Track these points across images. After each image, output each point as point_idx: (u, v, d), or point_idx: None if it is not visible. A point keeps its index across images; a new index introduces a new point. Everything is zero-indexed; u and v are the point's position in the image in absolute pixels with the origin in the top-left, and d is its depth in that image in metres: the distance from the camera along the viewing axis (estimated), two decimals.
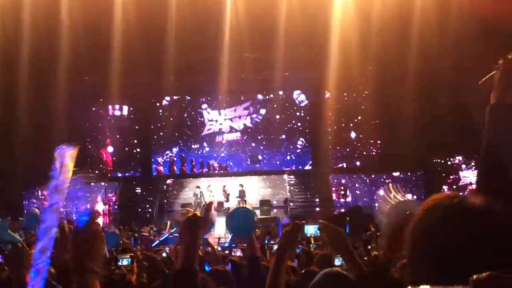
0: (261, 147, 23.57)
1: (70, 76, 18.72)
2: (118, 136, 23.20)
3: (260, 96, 23.44)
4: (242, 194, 18.71)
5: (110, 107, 23.11)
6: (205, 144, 23.78)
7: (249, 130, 23.61)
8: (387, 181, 20.63)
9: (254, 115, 23.53)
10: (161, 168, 23.37)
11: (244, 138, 23.60)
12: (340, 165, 22.80)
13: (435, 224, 1.07)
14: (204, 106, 23.81)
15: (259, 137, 23.58)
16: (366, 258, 6.21)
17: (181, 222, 1.88)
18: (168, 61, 19.14)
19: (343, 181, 21.96)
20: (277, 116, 23.34)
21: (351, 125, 22.84)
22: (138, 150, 23.67)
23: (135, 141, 23.59)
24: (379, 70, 19.29)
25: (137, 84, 20.99)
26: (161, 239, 11.13)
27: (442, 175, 21.21)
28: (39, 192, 19.92)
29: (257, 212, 16.87)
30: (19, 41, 17.63)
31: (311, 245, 7.96)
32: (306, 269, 4.43)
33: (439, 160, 21.45)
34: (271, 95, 23.37)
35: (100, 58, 18.51)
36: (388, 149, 20.96)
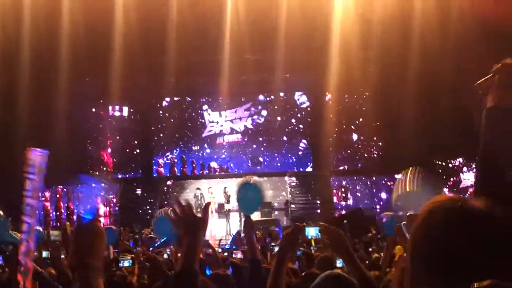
0: (262, 149, 23.56)
1: (71, 77, 18.73)
2: (118, 138, 23.20)
3: (261, 97, 23.44)
4: None
5: (110, 108, 23.11)
6: (205, 145, 23.78)
7: (249, 131, 23.60)
8: (389, 183, 20.63)
9: (255, 116, 23.53)
10: (161, 169, 23.37)
11: (245, 139, 23.60)
12: (342, 168, 22.78)
13: (437, 226, 1.07)
14: (205, 107, 23.82)
15: (260, 139, 23.57)
16: (367, 261, 6.22)
17: (178, 217, 1.86)
18: (169, 62, 19.16)
19: (344, 183, 21.94)
20: (278, 118, 23.34)
21: (352, 127, 22.82)
22: (139, 151, 23.67)
23: (136, 143, 23.60)
24: (380, 72, 19.30)
25: (137, 85, 21.01)
26: (161, 240, 11.11)
27: (443, 177, 21.19)
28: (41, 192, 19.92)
29: (258, 214, 16.86)
30: (20, 41, 17.66)
31: (311, 247, 7.96)
32: (306, 271, 4.43)
33: (440, 162, 21.44)
34: (272, 97, 23.38)
35: (101, 60, 18.53)
36: (389, 151, 20.94)
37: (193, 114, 23.98)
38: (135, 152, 23.60)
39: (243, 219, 3.25)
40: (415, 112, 18.85)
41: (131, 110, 23.41)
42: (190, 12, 17.60)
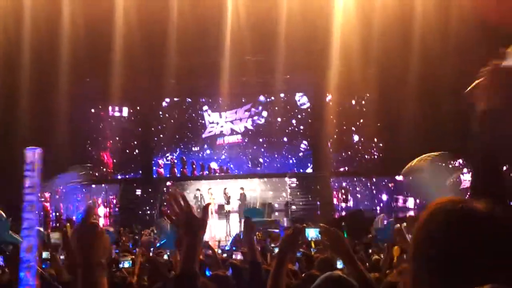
0: (262, 150, 23.56)
1: (71, 78, 18.74)
2: (118, 138, 23.20)
3: (262, 98, 23.45)
4: (242, 197, 18.69)
5: (110, 108, 23.11)
6: (205, 146, 23.79)
7: (250, 132, 23.61)
8: (389, 184, 20.62)
9: (255, 117, 23.54)
10: (161, 170, 23.36)
11: (245, 140, 23.60)
12: (342, 169, 22.77)
13: (438, 228, 1.07)
14: (205, 108, 23.83)
15: (260, 140, 23.57)
16: (367, 263, 6.21)
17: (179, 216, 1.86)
18: (169, 63, 19.18)
19: (344, 184, 21.92)
20: (278, 119, 23.35)
21: (353, 128, 22.82)
22: (139, 152, 23.67)
23: (136, 143, 23.60)
24: (381, 74, 19.30)
25: (138, 86, 21.03)
26: (161, 242, 11.09)
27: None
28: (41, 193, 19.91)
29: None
30: (21, 43, 17.67)
31: (311, 249, 7.95)
32: (306, 272, 4.43)
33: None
34: (272, 98, 23.39)
35: (101, 61, 18.54)
36: (389, 153, 20.93)
37: (193, 115, 23.99)
38: (134, 153, 23.60)
39: (243, 220, 3.28)
40: (415, 113, 18.85)
41: (131, 110, 23.42)
42: (190, 13, 17.61)
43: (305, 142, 23.44)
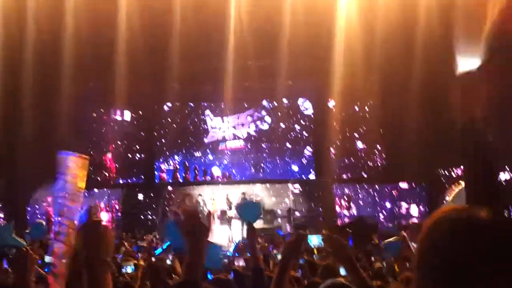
0: (265, 155, 23.55)
1: (74, 82, 18.79)
2: (120, 143, 23.22)
3: (264, 103, 23.47)
4: None
5: (112, 112, 23.15)
6: (208, 151, 23.79)
7: (252, 138, 23.61)
8: (392, 192, 20.58)
9: (258, 122, 23.55)
10: (164, 175, 23.36)
11: (248, 146, 23.60)
12: (345, 176, 22.72)
13: (443, 237, 1.08)
14: (207, 112, 23.85)
15: (263, 145, 23.57)
16: (370, 271, 6.19)
17: (184, 219, 1.86)
18: (172, 68, 19.21)
19: (346, 191, 21.87)
20: (281, 125, 23.35)
21: (356, 135, 22.80)
22: (141, 156, 23.68)
23: (138, 148, 23.61)
24: (384, 81, 19.29)
25: (140, 90, 21.04)
26: (164, 246, 11.10)
27: (445, 186, 21.10)
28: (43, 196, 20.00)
29: (260, 221, 16.83)
30: (24, 46, 17.74)
31: (314, 256, 7.94)
32: (309, 280, 4.42)
33: (442, 171, 21.36)
34: (275, 103, 23.40)
35: (104, 65, 18.60)
36: (391, 160, 20.90)
37: (196, 119, 24.02)
38: (136, 158, 23.62)
39: (245, 227, 3.30)
40: (418, 120, 18.82)
41: (133, 115, 23.47)
42: (193, 18, 17.65)
43: (309, 148, 23.43)
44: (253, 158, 23.49)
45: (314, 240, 8.49)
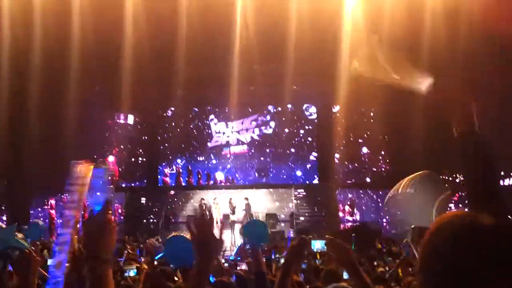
0: (268, 160, 23.54)
1: (80, 87, 18.87)
2: (122, 147, 23.26)
3: (270, 107, 23.48)
4: (247, 208, 18.68)
5: (116, 116, 23.21)
6: (211, 156, 23.80)
7: (256, 142, 23.61)
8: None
9: (262, 127, 23.56)
10: (167, 179, 23.38)
11: (252, 151, 23.60)
12: (348, 181, 22.66)
13: (446, 242, 1.08)
14: (211, 117, 23.88)
15: (267, 150, 23.57)
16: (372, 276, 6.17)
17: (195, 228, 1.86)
18: (177, 73, 19.26)
19: (350, 196, 21.82)
20: (286, 130, 23.35)
21: (360, 140, 22.77)
22: (144, 160, 23.72)
23: (141, 152, 23.64)
24: (389, 86, 19.23)
25: (145, 95, 21.09)
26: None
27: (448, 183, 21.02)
28: (47, 200, 20.07)
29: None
30: (31, 51, 17.84)
31: (316, 261, 7.92)
32: (312, 285, 4.41)
33: (446, 177, 21.28)
34: (279, 108, 23.41)
35: (110, 69, 18.69)
36: (395, 165, 20.85)
37: (200, 124, 24.06)
38: (139, 161, 23.65)
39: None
40: (423, 127, 18.78)
41: (137, 119, 23.52)
42: (199, 23, 17.71)
43: (314, 153, 23.40)
44: (256, 163, 23.49)
45: (317, 245, 8.48)
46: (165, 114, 23.82)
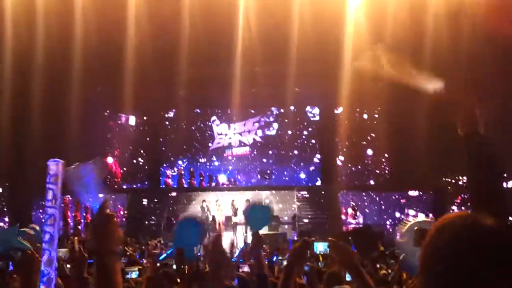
0: (271, 162, 23.53)
1: (82, 87, 18.90)
2: (124, 148, 23.26)
3: (273, 109, 23.47)
4: None
5: (118, 117, 23.23)
6: (213, 157, 23.80)
7: (258, 144, 23.60)
8: (401, 200, 20.46)
9: (265, 129, 23.54)
10: (169, 180, 23.38)
11: (254, 152, 23.58)
12: (351, 183, 22.61)
13: (447, 243, 1.08)
14: (213, 118, 23.89)
15: (270, 152, 23.55)
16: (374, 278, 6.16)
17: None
18: (179, 74, 19.27)
19: (353, 198, 21.78)
20: (289, 131, 23.33)
21: (363, 142, 22.73)
22: (146, 161, 23.72)
23: (143, 153, 23.65)
24: (392, 88, 19.23)
25: (147, 96, 21.11)
26: (168, 252, 11.08)
27: (452, 194, 21.00)
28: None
29: (265, 227, 16.78)
30: (33, 52, 17.88)
31: (319, 263, 7.90)
32: (315, 287, 4.40)
33: (448, 180, 21.26)
34: (282, 110, 23.40)
35: (112, 70, 18.71)
36: (398, 168, 20.82)
37: (202, 125, 24.06)
38: (141, 163, 23.65)
39: (250, 233, 3.29)
40: (426, 129, 18.75)
41: (139, 120, 23.54)
42: (202, 24, 17.72)
43: (318, 155, 23.37)
44: (258, 164, 23.48)
45: (320, 247, 8.46)
46: (167, 116, 23.83)
